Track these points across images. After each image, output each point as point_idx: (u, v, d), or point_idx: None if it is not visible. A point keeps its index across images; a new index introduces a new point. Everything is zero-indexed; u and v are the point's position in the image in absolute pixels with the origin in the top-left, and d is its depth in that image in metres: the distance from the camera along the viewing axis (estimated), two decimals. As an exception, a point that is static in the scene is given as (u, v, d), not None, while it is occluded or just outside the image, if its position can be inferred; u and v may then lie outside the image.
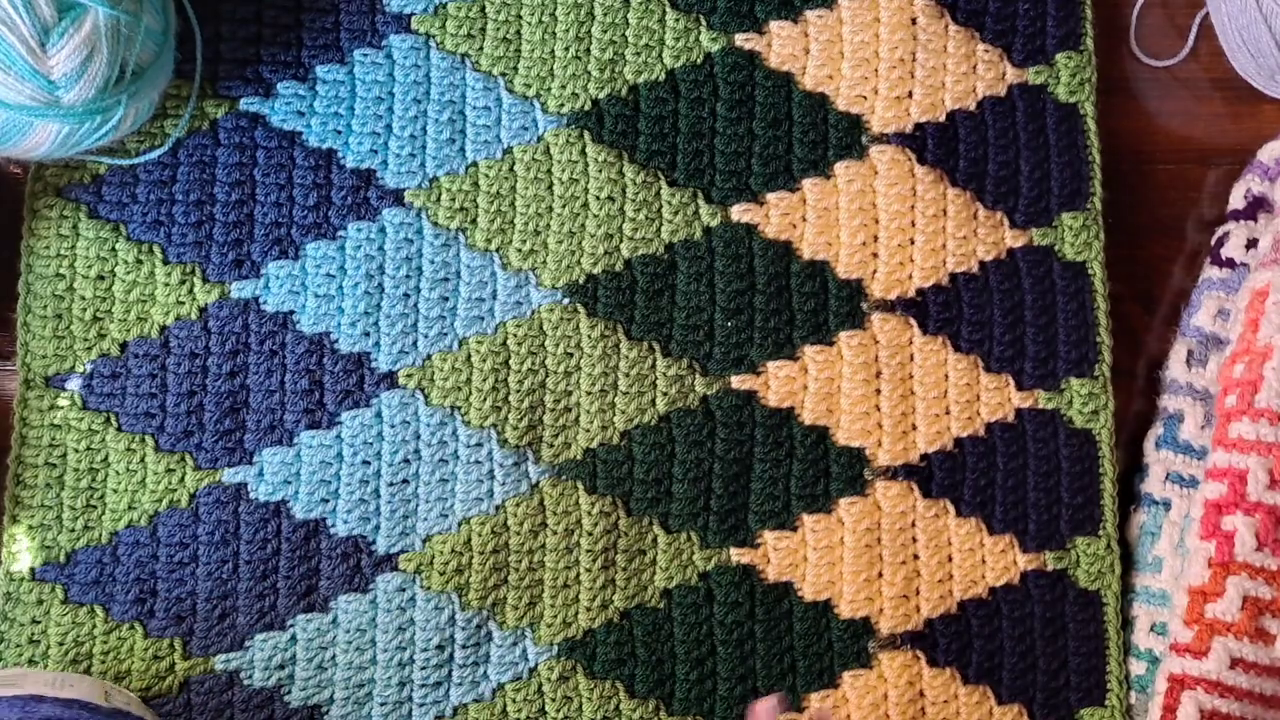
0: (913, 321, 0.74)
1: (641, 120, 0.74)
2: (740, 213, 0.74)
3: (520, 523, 0.71)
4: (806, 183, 0.75)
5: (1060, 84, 0.76)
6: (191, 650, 0.69)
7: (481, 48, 0.75)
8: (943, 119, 0.76)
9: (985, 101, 0.76)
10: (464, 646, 0.70)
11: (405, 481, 0.71)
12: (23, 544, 0.69)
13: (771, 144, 0.75)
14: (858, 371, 0.73)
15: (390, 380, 0.72)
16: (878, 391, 0.73)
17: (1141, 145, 0.78)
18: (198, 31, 0.72)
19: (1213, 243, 0.75)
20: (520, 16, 0.75)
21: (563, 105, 0.74)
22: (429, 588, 0.70)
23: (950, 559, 0.72)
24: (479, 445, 0.71)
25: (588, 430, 0.72)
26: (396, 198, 0.73)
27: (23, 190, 0.72)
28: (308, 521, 0.70)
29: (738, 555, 0.72)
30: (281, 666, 0.69)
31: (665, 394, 0.72)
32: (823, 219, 0.74)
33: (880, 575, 0.72)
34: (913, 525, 0.72)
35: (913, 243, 0.75)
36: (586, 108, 0.74)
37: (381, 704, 0.69)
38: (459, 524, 0.71)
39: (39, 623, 0.69)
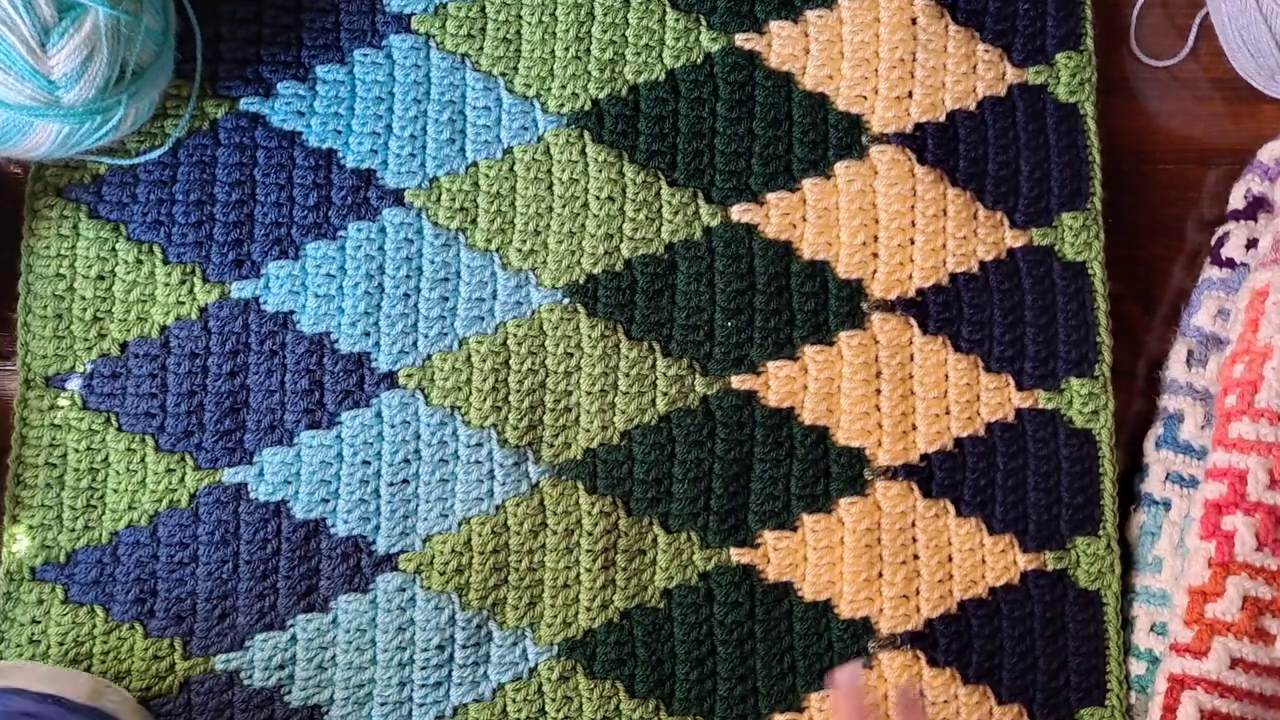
0: (913, 321, 0.74)
1: (641, 120, 0.74)
2: (740, 213, 0.74)
3: (520, 523, 0.71)
4: (806, 183, 0.75)
5: (1060, 84, 0.76)
6: (191, 650, 0.69)
7: (481, 48, 0.75)
8: (943, 119, 0.76)
9: (985, 101, 0.76)
10: (464, 646, 0.70)
11: (405, 481, 0.71)
12: (22, 542, 0.69)
13: (771, 144, 0.75)
14: (858, 371, 0.73)
15: (390, 380, 0.72)
16: (878, 391, 0.73)
17: (1141, 145, 0.78)
18: (198, 31, 0.72)
19: (1213, 243, 0.75)
20: (520, 16, 0.75)
21: (563, 105, 0.74)
22: (429, 588, 0.70)
23: (950, 559, 0.72)
24: (479, 445, 0.71)
25: (588, 430, 0.72)
26: (396, 198, 0.73)
27: (23, 190, 0.72)
28: (308, 521, 0.70)
29: (738, 555, 0.72)
30: (281, 666, 0.69)
31: (665, 394, 0.72)
32: (823, 219, 0.74)
33: (880, 575, 0.72)
34: (913, 525, 0.72)
35: (913, 243, 0.75)
36: (586, 108, 0.74)
37: (381, 704, 0.69)
38: (459, 524, 0.71)
39: (39, 623, 0.69)
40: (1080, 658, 0.71)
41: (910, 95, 0.76)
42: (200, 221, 0.72)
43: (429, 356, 0.72)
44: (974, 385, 0.74)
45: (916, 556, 0.72)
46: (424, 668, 0.70)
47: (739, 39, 0.75)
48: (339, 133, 0.73)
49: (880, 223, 0.75)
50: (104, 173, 0.72)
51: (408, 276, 0.73)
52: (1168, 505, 0.72)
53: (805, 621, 0.71)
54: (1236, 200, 0.75)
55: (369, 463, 0.71)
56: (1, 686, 0.62)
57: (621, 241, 0.73)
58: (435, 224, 0.73)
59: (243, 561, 0.70)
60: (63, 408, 0.71)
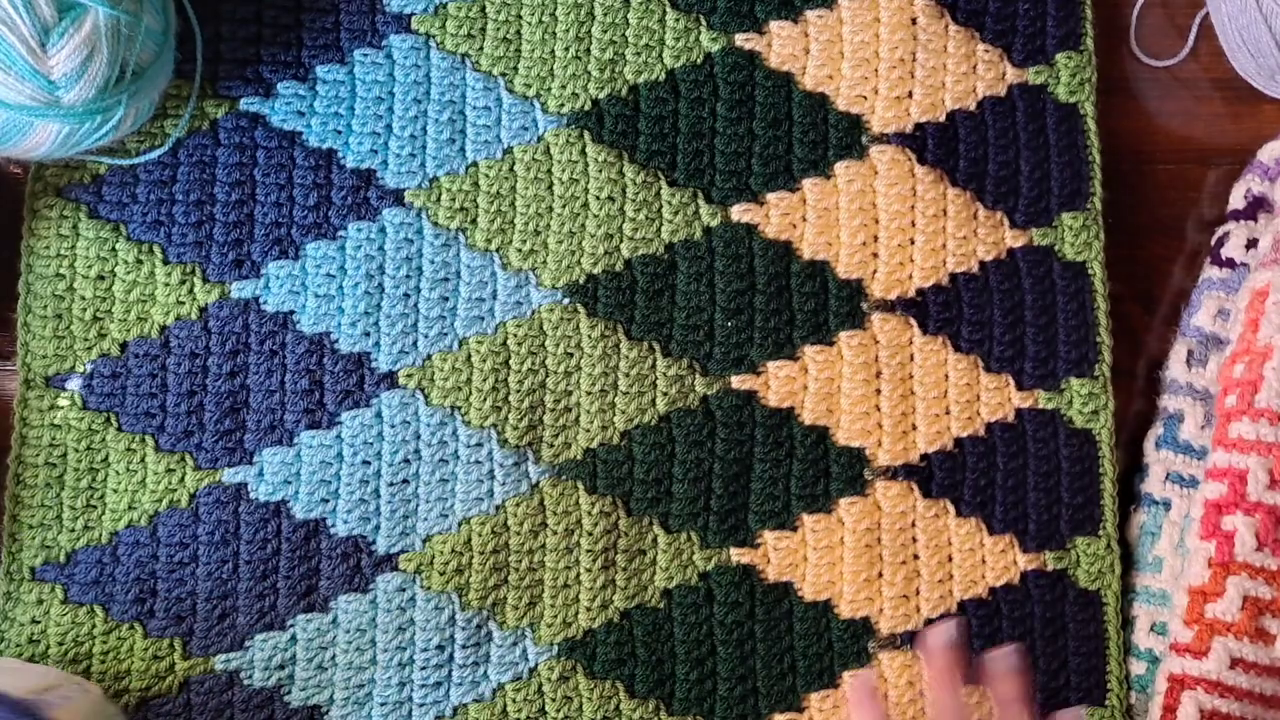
0: (913, 321, 0.74)
1: (641, 120, 0.74)
2: (740, 213, 0.74)
3: (520, 523, 0.71)
4: (806, 183, 0.75)
5: (1060, 84, 0.76)
6: (191, 650, 0.69)
7: (481, 48, 0.75)
8: (943, 119, 0.76)
9: (985, 101, 0.76)
10: (464, 646, 0.70)
11: (405, 481, 0.71)
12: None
13: (771, 144, 0.75)
14: (858, 371, 0.73)
15: (390, 380, 0.72)
16: (878, 391, 0.73)
17: (1141, 145, 0.78)
18: (198, 31, 0.72)
19: (1213, 243, 0.75)
20: (520, 16, 0.75)
21: (563, 105, 0.74)
22: (429, 588, 0.70)
23: (950, 559, 0.72)
24: (479, 445, 0.71)
25: (588, 430, 0.72)
26: (396, 198, 0.73)
27: (23, 190, 0.72)
28: (308, 521, 0.70)
29: (738, 555, 0.72)
30: (281, 666, 0.69)
31: (665, 394, 0.72)
32: (823, 219, 0.74)
33: (880, 575, 0.72)
34: (913, 525, 0.72)
35: (913, 243, 0.75)
36: (586, 108, 0.74)
37: (381, 704, 0.69)
38: (459, 524, 0.71)
39: (39, 623, 0.69)
40: (1080, 658, 0.71)
41: (910, 95, 0.76)
42: (200, 221, 0.72)
43: (429, 356, 0.72)
44: (974, 385, 0.74)
45: (916, 556, 0.72)
46: (424, 668, 0.70)
47: (739, 39, 0.75)
48: (339, 133, 0.73)
49: (880, 223, 0.75)
50: (104, 173, 0.72)
51: (408, 276, 0.73)
52: (1168, 505, 0.72)
53: (805, 621, 0.71)
54: (1236, 200, 0.75)
55: (369, 463, 0.71)
56: None
57: (621, 241, 0.73)
58: (435, 224, 0.73)
59: (243, 561, 0.70)
60: (63, 408, 0.71)
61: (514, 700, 0.70)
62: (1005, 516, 0.73)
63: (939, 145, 0.75)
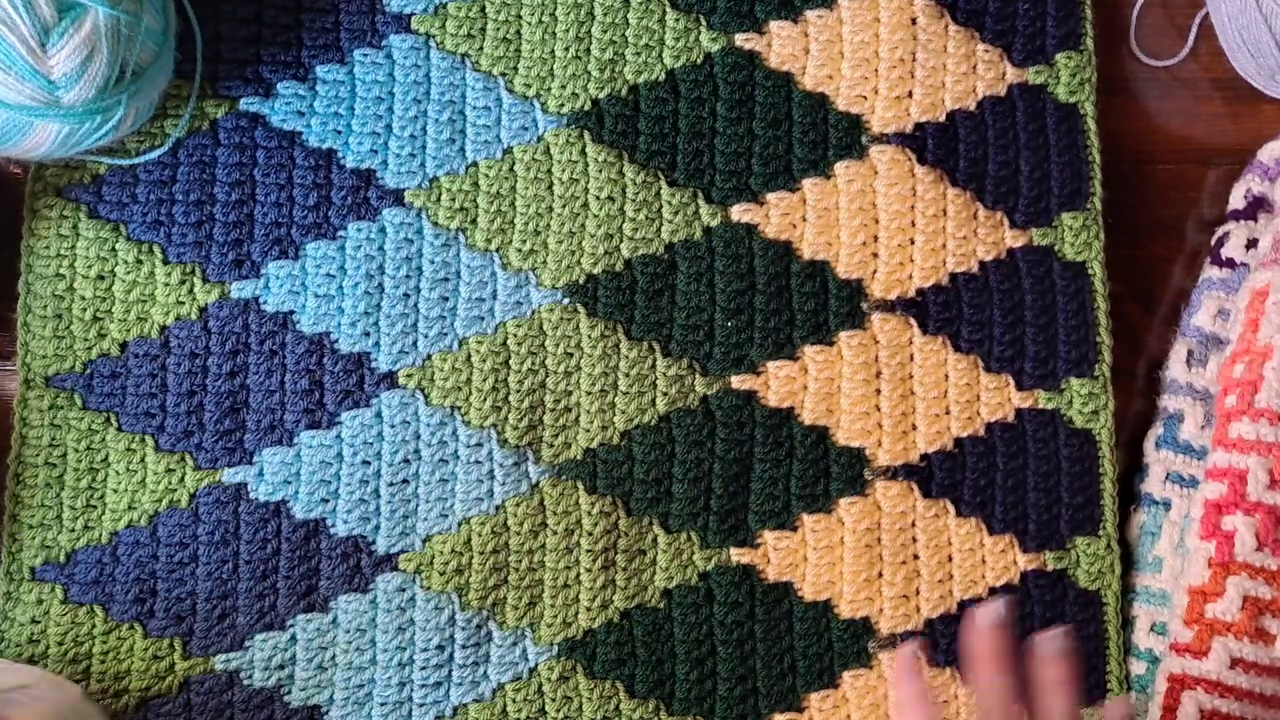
0: (913, 321, 0.74)
1: (641, 120, 0.74)
2: (740, 213, 0.74)
3: (520, 523, 0.71)
4: (806, 183, 0.75)
5: (1060, 84, 0.76)
6: (191, 650, 0.69)
7: (481, 48, 0.75)
8: (943, 119, 0.76)
9: (985, 101, 0.76)
10: (464, 646, 0.70)
11: (405, 481, 0.71)
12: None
13: (771, 144, 0.75)
14: (858, 371, 0.73)
15: (390, 380, 0.72)
16: (878, 391, 0.73)
17: (1141, 145, 0.78)
18: (198, 31, 0.72)
19: (1213, 243, 0.75)
20: (520, 16, 0.75)
21: (563, 105, 0.74)
22: (429, 588, 0.70)
23: (950, 559, 0.72)
24: (479, 445, 0.71)
25: (588, 430, 0.72)
26: (396, 198, 0.73)
27: (23, 190, 0.72)
28: (308, 521, 0.70)
29: (738, 555, 0.72)
30: (281, 666, 0.69)
31: (665, 394, 0.72)
32: (823, 219, 0.74)
33: (880, 575, 0.72)
34: (913, 525, 0.72)
35: (913, 243, 0.75)
36: (586, 108, 0.74)
37: (381, 704, 0.69)
38: (459, 524, 0.71)
39: (39, 623, 0.69)
40: (1080, 658, 0.71)
41: (910, 95, 0.76)
42: (200, 221, 0.72)
43: (429, 356, 0.72)
44: (974, 385, 0.74)
45: (916, 556, 0.72)
46: (424, 668, 0.70)
47: (739, 39, 0.75)
48: (339, 133, 0.73)
49: (880, 223, 0.75)
50: (104, 173, 0.72)
51: (408, 276, 0.73)
52: (1168, 505, 0.72)
53: (805, 621, 0.71)
54: (1236, 200, 0.75)
55: (369, 463, 0.71)
56: None
57: (621, 241, 0.73)
58: (435, 224, 0.73)
59: (243, 561, 0.70)
60: (63, 407, 0.71)
61: (514, 700, 0.70)
62: (1005, 516, 0.73)
63: (939, 145, 0.75)
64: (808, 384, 0.73)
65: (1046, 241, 0.75)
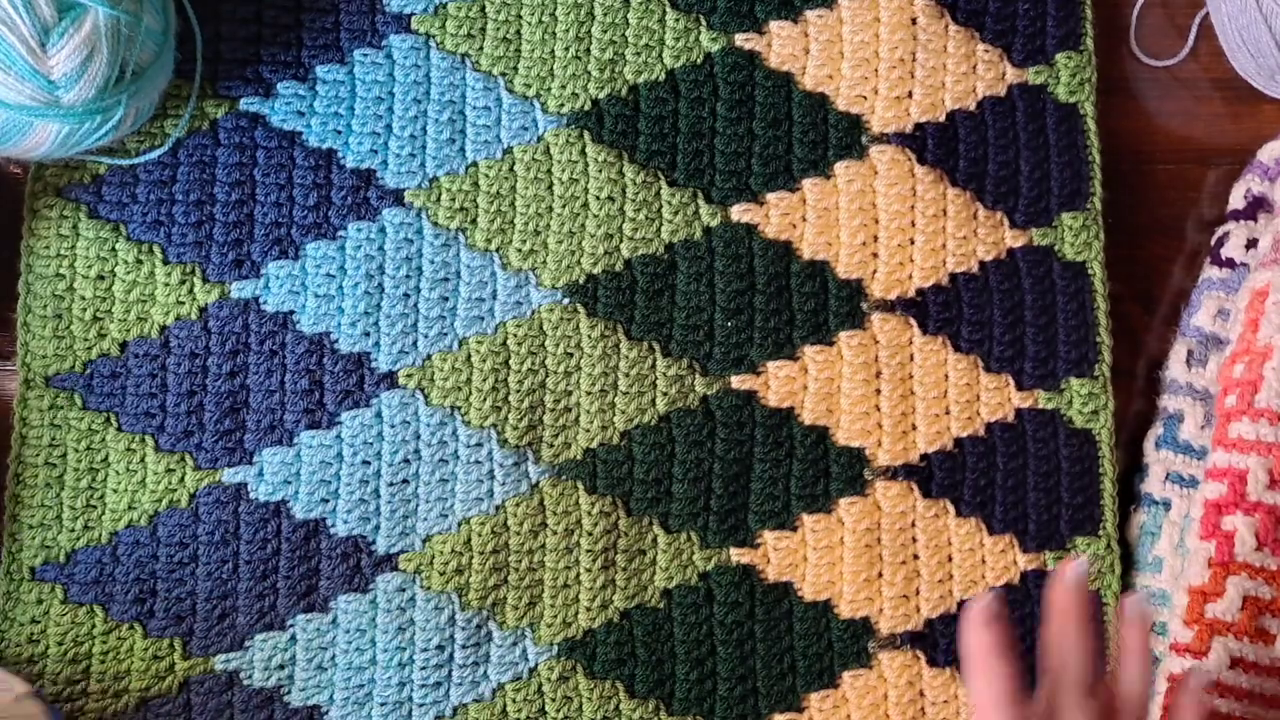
0: (913, 321, 0.74)
1: (641, 120, 0.74)
2: (740, 213, 0.74)
3: (520, 523, 0.71)
4: (806, 183, 0.75)
5: (1060, 84, 0.76)
6: (191, 650, 0.69)
7: (481, 48, 0.75)
8: (943, 119, 0.76)
9: (985, 101, 0.76)
10: (464, 646, 0.70)
11: (405, 481, 0.71)
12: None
13: (771, 144, 0.75)
14: (858, 371, 0.73)
15: (390, 380, 0.72)
16: (878, 391, 0.73)
17: (1141, 145, 0.78)
18: (198, 31, 0.72)
19: (1213, 243, 0.75)
20: (520, 16, 0.75)
21: (563, 105, 0.74)
22: (429, 588, 0.70)
23: (950, 559, 0.72)
24: (479, 445, 0.71)
25: (588, 430, 0.72)
26: (396, 198, 0.73)
27: (23, 190, 0.72)
28: (308, 521, 0.70)
29: (738, 555, 0.72)
30: (281, 666, 0.69)
31: (665, 394, 0.72)
32: (823, 219, 0.74)
33: (880, 575, 0.72)
34: (913, 525, 0.72)
35: (913, 243, 0.75)
36: (586, 108, 0.74)
37: (381, 704, 0.69)
38: (459, 524, 0.71)
39: (39, 623, 0.69)
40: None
41: (910, 95, 0.76)
42: (200, 221, 0.72)
43: (429, 356, 0.72)
44: (974, 385, 0.74)
45: (916, 556, 0.72)
46: (424, 668, 0.70)
47: (739, 39, 0.75)
48: (339, 133, 0.73)
49: (880, 223, 0.75)
50: (104, 173, 0.72)
51: (408, 276, 0.73)
52: (1168, 505, 0.72)
53: (805, 621, 0.71)
54: (1236, 200, 0.75)
55: (369, 463, 0.71)
56: None
57: (621, 241, 0.73)
58: (435, 224, 0.73)
59: (243, 561, 0.70)
60: (62, 407, 0.71)
61: (514, 700, 0.70)
62: (1005, 516, 0.73)
63: (939, 145, 0.75)
64: (808, 384, 0.73)
65: (1046, 241, 0.75)
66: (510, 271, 0.73)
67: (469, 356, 0.72)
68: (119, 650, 0.69)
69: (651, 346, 0.73)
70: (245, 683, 0.69)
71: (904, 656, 0.71)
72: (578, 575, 0.71)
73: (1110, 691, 0.54)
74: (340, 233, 0.73)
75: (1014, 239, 0.75)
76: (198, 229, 0.72)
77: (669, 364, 0.73)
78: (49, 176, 0.72)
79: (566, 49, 0.75)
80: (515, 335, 0.72)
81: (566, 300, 0.73)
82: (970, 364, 0.74)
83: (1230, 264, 0.73)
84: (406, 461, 0.71)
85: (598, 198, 0.74)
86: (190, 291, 0.72)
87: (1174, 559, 0.70)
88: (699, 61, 0.75)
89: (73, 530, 0.70)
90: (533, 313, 0.73)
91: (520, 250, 0.73)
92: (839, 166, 0.75)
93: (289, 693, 0.69)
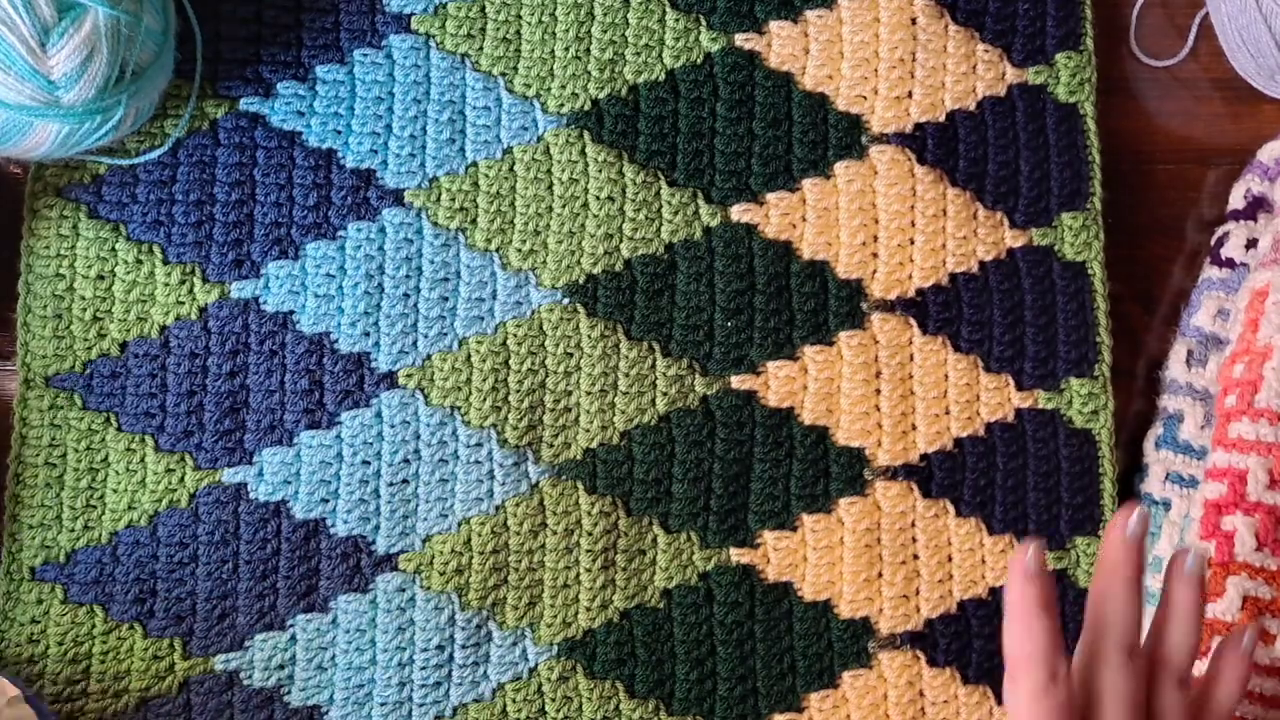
0: (913, 321, 0.74)
1: (641, 120, 0.74)
2: (740, 213, 0.74)
3: (520, 523, 0.71)
4: (806, 183, 0.75)
5: (1060, 84, 0.76)
6: (191, 650, 0.69)
7: (481, 48, 0.75)
8: (943, 119, 0.76)
9: (985, 101, 0.76)
10: (464, 646, 0.70)
11: (405, 481, 0.71)
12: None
13: (771, 144, 0.75)
14: (858, 371, 0.73)
15: (390, 380, 0.72)
16: (878, 391, 0.73)
17: (1141, 145, 0.78)
18: (198, 31, 0.72)
19: (1213, 243, 0.75)
20: (520, 16, 0.75)
21: (563, 105, 0.74)
22: (429, 588, 0.70)
23: (950, 559, 0.72)
24: (479, 445, 0.71)
25: (588, 430, 0.72)
26: (396, 198, 0.73)
27: (23, 190, 0.72)
28: (308, 521, 0.70)
29: (738, 555, 0.72)
30: (281, 666, 0.69)
31: (665, 394, 0.72)
32: (823, 219, 0.74)
33: (880, 575, 0.72)
34: (913, 525, 0.72)
35: (913, 243, 0.75)
36: (586, 108, 0.74)
37: (381, 704, 0.69)
38: (459, 524, 0.71)
39: (39, 623, 0.69)
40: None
41: (910, 95, 0.76)
42: (200, 221, 0.72)
43: (429, 356, 0.72)
44: (974, 385, 0.74)
45: (916, 556, 0.72)
46: (424, 668, 0.70)
47: (739, 39, 0.75)
48: (339, 133, 0.73)
49: (880, 223, 0.75)
50: (104, 173, 0.72)
51: (408, 276, 0.73)
52: (1168, 505, 0.72)
53: (805, 621, 0.71)
54: (1236, 200, 0.75)
55: (369, 463, 0.71)
56: None
57: (621, 241, 0.73)
58: (435, 224, 0.73)
59: (243, 561, 0.70)
60: (62, 407, 0.71)
61: (514, 700, 0.70)
62: (1005, 516, 0.73)
63: (939, 145, 0.75)
64: (808, 384, 0.73)
65: (1046, 241, 0.75)
66: (510, 271, 0.73)
67: (469, 356, 0.72)
68: (119, 650, 0.69)
69: (651, 346, 0.73)
70: (245, 683, 0.69)
71: (904, 656, 0.71)
72: (578, 575, 0.71)
73: (1152, 653, 0.51)
74: (340, 233, 0.73)
75: (1014, 239, 0.75)
76: (198, 229, 0.72)
77: (669, 364, 0.73)
78: (49, 176, 0.72)
79: (566, 49, 0.75)
80: (515, 335, 0.72)
81: (566, 300, 0.73)
82: (970, 364, 0.74)
83: (1230, 264, 0.73)
84: (406, 461, 0.71)
85: (598, 198, 0.74)
86: (190, 291, 0.72)
87: (1174, 559, 0.70)
88: (699, 61, 0.75)
89: (73, 530, 0.70)
90: (533, 313, 0.73)
91: (520, 250, 0.73)
92: (839, 166, 0.75)
93: (289, 693, 0.69)
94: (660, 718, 0.70)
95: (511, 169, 0.74)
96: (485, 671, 0.70)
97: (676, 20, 0.75)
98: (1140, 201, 0.77)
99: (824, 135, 0.75)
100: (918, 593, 0.72)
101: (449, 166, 0.74)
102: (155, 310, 0.72)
